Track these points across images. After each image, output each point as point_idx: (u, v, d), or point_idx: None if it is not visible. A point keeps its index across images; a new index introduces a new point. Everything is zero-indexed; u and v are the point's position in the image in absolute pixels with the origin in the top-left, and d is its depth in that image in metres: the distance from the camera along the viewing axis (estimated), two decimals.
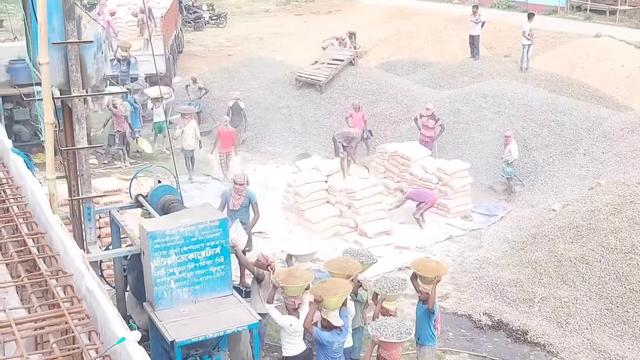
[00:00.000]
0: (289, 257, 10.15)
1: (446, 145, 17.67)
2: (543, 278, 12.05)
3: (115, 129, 17.55)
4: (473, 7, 24.77)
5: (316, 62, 22.33)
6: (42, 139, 15.85)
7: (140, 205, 8.91)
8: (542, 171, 16.66)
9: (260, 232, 13.38)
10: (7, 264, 3.60)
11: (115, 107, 17.41)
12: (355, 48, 24.57)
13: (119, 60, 21.97)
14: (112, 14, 25.48)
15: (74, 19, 7.18)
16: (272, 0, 43.04)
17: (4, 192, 4.34)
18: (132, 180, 9.65)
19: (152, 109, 19.06)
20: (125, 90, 18.31)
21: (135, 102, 18.50)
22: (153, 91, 19.67)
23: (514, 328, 11.14)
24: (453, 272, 12.72)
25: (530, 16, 23.10)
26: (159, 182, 9.17)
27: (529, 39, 22.63)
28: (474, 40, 23.94)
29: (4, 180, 4.44)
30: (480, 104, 18.73)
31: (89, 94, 7.92)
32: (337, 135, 16.43)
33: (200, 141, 17.15)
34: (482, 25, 23.66)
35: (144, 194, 8.95)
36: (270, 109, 20.64)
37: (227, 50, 31.37)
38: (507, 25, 29.88)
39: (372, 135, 17.90)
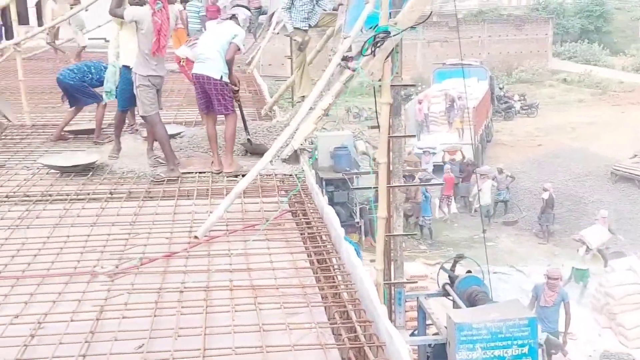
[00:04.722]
0: None
1: None
2: None
3: None
4: None
5: (635, 155, 20.99)
6: (355, 220, 17.07)
7: (447, 294, 9.01)
8: None
9: (568, 333, 12.68)
10: (338, 348, 3.92)
11: None
12: None
13: None
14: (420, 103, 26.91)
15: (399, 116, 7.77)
16: (588, 90, 41.59)
17: (336, 277, 4.78)
18: (440, 269, 9.83)
19: None
20: None
21: None
22: None
23: None
24: None
25: None
26: (469, 271, 9.20)
27: None
28: None
29: (336, 267, 4.90)
30: None
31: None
32: None
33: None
34: None
35: (451, 283, 9.06)
36: (580, 202, 19.78)
37: (537, 140, 30.87)
38: None
39: None
